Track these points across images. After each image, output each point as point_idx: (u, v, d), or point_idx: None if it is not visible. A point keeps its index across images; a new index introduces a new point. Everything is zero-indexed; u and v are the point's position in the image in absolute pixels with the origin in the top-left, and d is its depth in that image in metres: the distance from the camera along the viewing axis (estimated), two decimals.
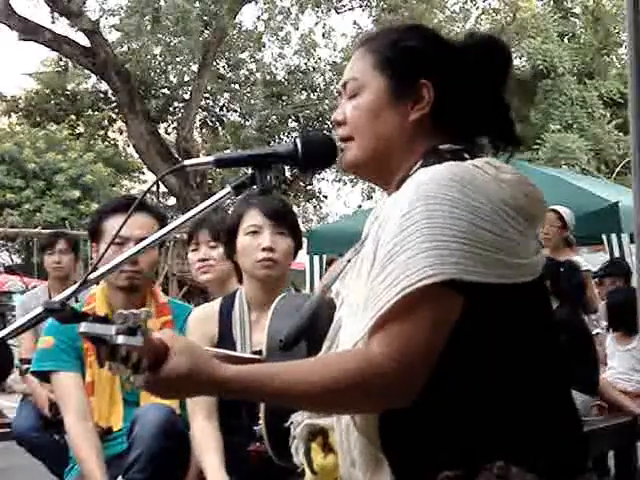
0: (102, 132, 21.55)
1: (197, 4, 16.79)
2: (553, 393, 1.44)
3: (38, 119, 20.38)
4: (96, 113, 20.81)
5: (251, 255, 2.52)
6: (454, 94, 1.52)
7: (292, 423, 1.57)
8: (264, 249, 2.50)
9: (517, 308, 1.39)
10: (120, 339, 1.28)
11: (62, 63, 19.48)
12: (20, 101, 21.55)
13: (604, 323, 5.71)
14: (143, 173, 22.00)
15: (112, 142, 21.90)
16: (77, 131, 20.71)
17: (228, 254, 2.64)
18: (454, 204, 1.34)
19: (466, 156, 1.50)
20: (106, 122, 21.37)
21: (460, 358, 1.37)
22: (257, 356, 1.64)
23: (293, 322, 1.58)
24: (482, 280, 1.32)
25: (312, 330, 1.56)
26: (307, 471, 1.55)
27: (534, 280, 1.40)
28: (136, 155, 19.01)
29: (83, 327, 1.29)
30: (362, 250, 1.51)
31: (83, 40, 16.38)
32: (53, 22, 16.31)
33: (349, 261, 1.60)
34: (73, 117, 20.81)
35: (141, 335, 1.29)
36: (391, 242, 1.35)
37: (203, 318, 2.58)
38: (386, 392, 1.34)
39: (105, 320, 1.30)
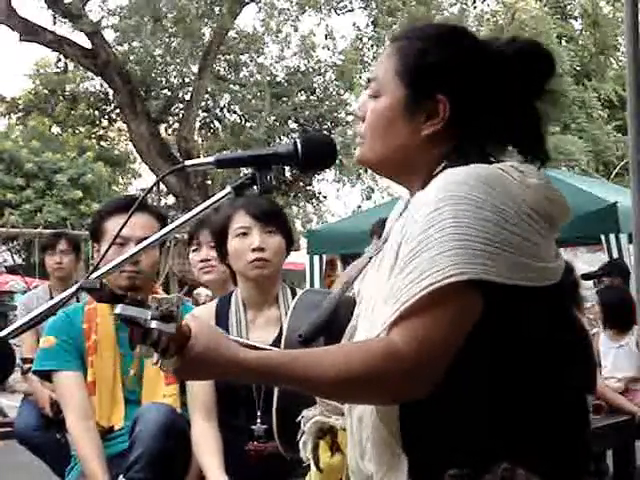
0: (94, 129, 21.54)
1: (197, 3, 16.80)
2: (564, 396, 1.44)
3: (37, 119, 20.38)
4: (93, 112, 20.83)
5: (242, 257, 2.54)
6: (476, 108, 1.50)
7: (303, 417, 1.58)
8: (254, 249, 2.52)
9: (535, 311, 1.40)
10: (154, 324, 1.31)
11: (61, 64, 19.50)
12: (19, 102, 21.56)
13: None
14: (138, 174, 22.00)
15: (104, 137, 21.90)
16: (75, 130, 20.70)
17: (221, 258, 2.66)
18: (480, 205, 1.35)
19: (491, 159, 1.50)
20: (103, 121, 21.39)
21: (475, 359, 1.38)
22: (276, 349, 1.65)
23: (312, 318, 1.59)
24: (505, 282, 1.33)
25: (331, 326, 1.57)
26: (313, 467, 1.56)
27: (555, 284, 1.40)
28: (128, 149, 19.02)
29: (119, 308, 1.32)
30: (384, 247, 1.52)
31: (84, 41, 16.42)
32: (55, 23, 16.34)
33: (370, 258, 1.61)
34: (72, 117, 20.81)
35: (174, 322, 1.32)
36: (416, 239, 1.36)
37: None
38: (404, 383, 1.35)
39: (141, 304, 1.32)
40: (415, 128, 1.51)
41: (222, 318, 2.60)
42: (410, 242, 1.37)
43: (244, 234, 2.55)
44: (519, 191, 1.39)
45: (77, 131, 20.69)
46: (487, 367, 1.39)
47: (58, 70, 20.00)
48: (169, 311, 1.32)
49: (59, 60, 19.23)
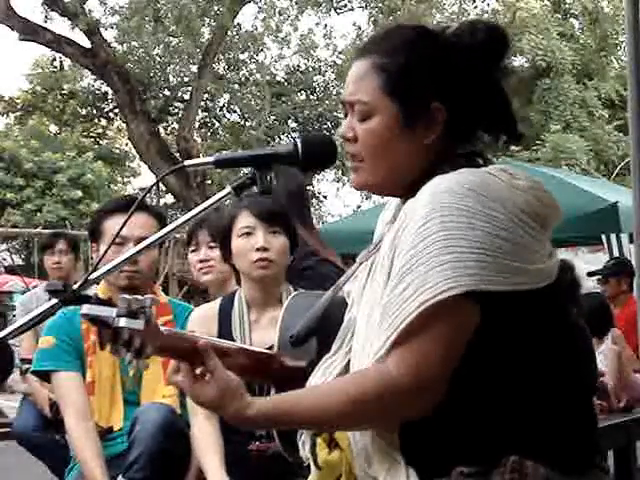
0: (92, 127, 21.56)
1: (196, 3, 16.81)
2: (567, 392, 1.45)
3: (37, 119, 20.38)
4: (91, 110, 20.86)
5: (246, 256, 2.54)
6: (464, 105, 1.50)
7: None
8: (258, 249, 2.52)
9: (533, 312, 1.41)
10: (121, 322, 1.31)
11: (56, 63, 19.51)
12: (18, 101, 21.57)
13: None
14: (138, 173, 21.99)
15: (102, 135, 21.91)
16: (73, 129, 20.69)
17: (224, 257, 2.66)
18: (470, 214, 1.35)
19: (479, 161, 1.50)
20: (102, 119, 21.41)
21: (477, 360, 1.38)
22: (269, 351, 1.65)
23: (304, 319, 1.60)
24: (499, 289, 1.34)
25: (323, 328, 1.59)
26: (312, 466, 1.55)
27: (551, 284, 1.41)
28: (127, 147, 19.00)
29: (85, 309, 1.33)
30: (376, 254, 1.52)
31: (83, 40, 16.43)
32: (46, 21, 16.34)
33: (361, 263, 1.61)
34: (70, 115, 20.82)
35: (143, 319, 1.32)
36: (408, 254, 1.36)
37: (203, 319, 2.60)
38: (404, 410, 1.38)
39: (107, 303, 1.32)
40: (416, 140, 1.50)
41: (225, 318, 2.59)
42: (402, 257, 1.38)
43: (248, 234, 2.55)
44: (509, 194, 1.39)
45: (75, 130, 20.66)
46: (487, 367, 1.39)
47: (55, 69, 20.00)
48: (141, 310, 1.33)
49: (54, 59, 19.24)
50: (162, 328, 1.42)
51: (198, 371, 1.42)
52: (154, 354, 1.38)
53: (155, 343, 1.36)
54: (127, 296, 1.36)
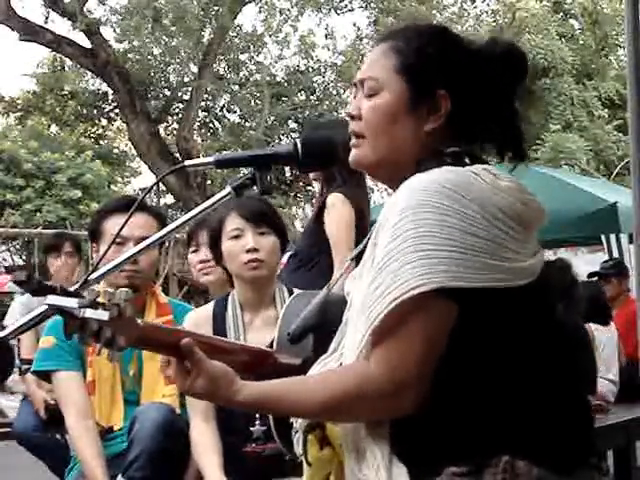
0: (92, 127, 21.57)
1: (197, 3, 16.82)
2: (557, 390, 1.45)
3: (36, 119, 20.38)
4: (91, 110, 20.87)
5: (237, 258, 2.55)
6: (470, 103, 1.53)
7: None
8: (248, 251, 2.53)
9: (517, 309, 1.41)
10: (87, 312, 1.33)
11: (57, 64, 19.50)
12: (19, 101, 21.56)
13: None
14: (138, 173, 21.99)
15: (103, 136, 21.91)
16: (74, 129, 20.68)
17: (216, 260, 2.68)
18: (444, 211, 1.36)
19: (466, 160, 1.51)
20: (102, 119, 21.41)
21: (462, 359, 1.39)
22: (264, 348, 1.67)
23: (300, 317, 1.62)
24: (473, 285, 1.34)
25: (320, 325, 1.61)
26: (304, 462, 1.56)
27: (535, 282, 1.41)
28: (127, 147, 19.01)
29: (49, 299, 1.34)
30: (366, 251, 1.53)
31: (83, 41, 16.44)
32: (46, 22, 16.36)
33: (352, 259, 1.63)
34: (70, 116, 20.82)
35: (114, 311, 1.33)
36: (383, 250, 1.38)
37: (197, 321, 2.61)
38: (385, 408, 1.39)
39: (73, 294, 1.33)
40: (418, 123, 1.52)
41: (219, 320, 2.60)
42: (379, 253, 1.40)
43: (237, 236, 2.56)
44: (489, 194, 1.39)
45: (75, 130, 20.64)
46: (474, 366, 1.40)
47: (55, 70, 20.01)
48: (115, 303, 1.34)
49: (55, 60, 19.25)
50: (145, 321, 1.44)
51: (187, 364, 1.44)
52: (130, 346, 1.39)
53: (129, 335, 1.37)
54: (96, 288, 1.36)
